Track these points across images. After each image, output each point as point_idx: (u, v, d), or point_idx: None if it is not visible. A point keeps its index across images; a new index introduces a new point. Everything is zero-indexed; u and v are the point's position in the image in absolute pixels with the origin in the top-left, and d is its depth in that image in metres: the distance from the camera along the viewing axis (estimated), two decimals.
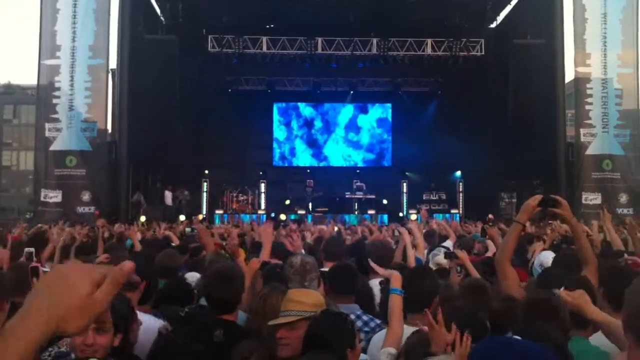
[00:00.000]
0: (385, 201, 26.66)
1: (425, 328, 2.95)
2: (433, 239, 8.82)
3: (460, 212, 25.81)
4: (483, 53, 25.35)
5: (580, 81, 21.73)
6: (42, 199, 20.54)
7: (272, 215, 24.20)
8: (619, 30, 21.66)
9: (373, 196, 26.43)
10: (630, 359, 2.24)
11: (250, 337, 3.33)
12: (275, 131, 30.69)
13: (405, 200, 27.09)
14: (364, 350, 3.64)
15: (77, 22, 20.70)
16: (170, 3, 25.05)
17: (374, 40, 25.03)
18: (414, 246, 6.77)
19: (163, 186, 23.85)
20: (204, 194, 25.46)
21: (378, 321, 4.23)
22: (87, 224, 14.24)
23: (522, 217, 3.96)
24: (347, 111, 30.79)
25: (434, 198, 27.30)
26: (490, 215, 20.38)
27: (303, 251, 6.52)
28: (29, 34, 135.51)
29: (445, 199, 27.18)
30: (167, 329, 3.69)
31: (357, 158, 30.86)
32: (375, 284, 5.00)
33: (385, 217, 24.45)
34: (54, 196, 20.35)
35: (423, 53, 25.36)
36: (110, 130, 22.74)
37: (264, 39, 24.81)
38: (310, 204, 26.13)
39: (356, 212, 24.94)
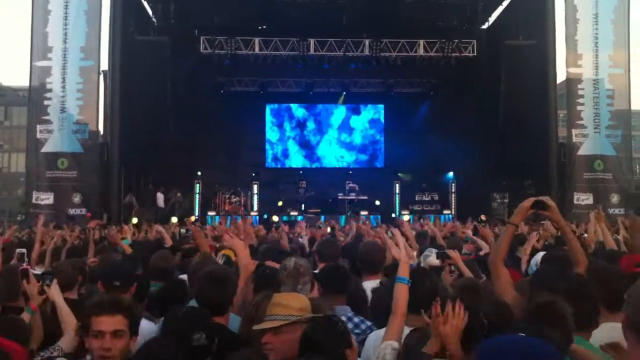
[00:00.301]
0: (377, 202, 26.66)
1: (429, 321, 2.94)
2: (425, 241, 8.79)
3: (453, 212, 25.83)
4: (475, 54, 25.39)
5: (572, 82, 21.81)
6: (33, 201, 20.47)
7: (265, 216, 24.18)
8: (610, 30, 21.75)
9: (365, 197, 26.42)
10: (633, 357, 2.26)
11: (243, 343, 3.29)
12: (268, 132, 30.64)
13: (397, 201, 27.09)
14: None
15: (69, 24, 20.65)
16: (162, 4, 24.99)
17: (367, 42, 25.03)
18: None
19: (155, 188, 23.78)
20: (197, 196, 25.39)
21: (369, 323, 4.22)
22: (78, 225, 14.18)
23: (516, 218, 4.01)
24: (339, 112, 30.77)
25: (427, 199, 27.31)
26: (482, 216, 20.44)
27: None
28: (21, 36, 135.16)
29: (438, 200, 27.19)
30: None
31: (350, 159, 30.84)
32: (368, 286, 4.99)
33: (372, 218, 24.37)
34: (46, 198, 20.27)
35: (415, 54, 25.39)
36: (102, 132, 22.67)
37: (257, 40, 24.76)
38: (302, 205, 26.12)
39: (348, 214, 24.91)
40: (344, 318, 3.55)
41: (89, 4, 20.85)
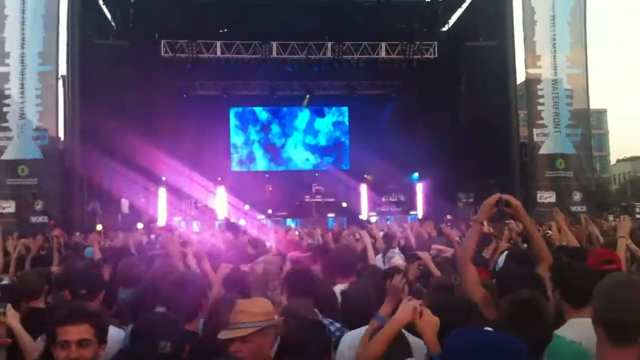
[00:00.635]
0: (344, 204, 26.74)
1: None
2: (391, 242, 8.82)
3: (419, 213, 26.02)
4: (436, 56, 25.65)
5: (531, 82, 22.12)
6: None
7: (232, 220, 24.06)
8: (567, 32, 22.14)
9: (332, 199, 26.49)
10: (600, 351, 2.31)
11: (215, 351, 3.24)
12: (232, 136, 30.54)
13: (364, 203, 27.21)
14: None
15: (26, 29, 20.25)
16: (121, 8, 24.68)
17: (329, 44, 25.10)
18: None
19: (119, 194, 23.45)
20: (161, 202, 25.13)
21: (338, 324, 4.22)
22: (40, 234, 13.92)
23: (481, 216, 4.07)
24: (304, 115, 30.82)
25: (393, 200, 27.50)
26: (448, 216, 20.61)
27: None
28: None
29: (404, 201, 27.39)
30: None
31: (316, 161, 30.91)
32: (338, 289, 4.99)
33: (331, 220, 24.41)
34: (8, 207, 19.86)
35: (377, 56, 25.55)
36: (62, 138, 22.28)
37: (218, 43, 24.64)
38: (269, 209, 26.06)
39: (314, 216, 24.92)
40: None
41: (46, 8, 20.47)
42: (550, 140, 21.80)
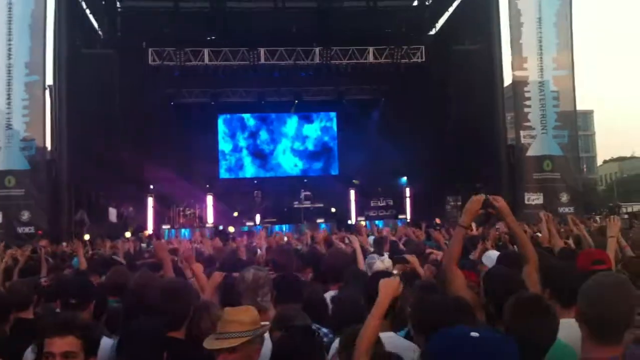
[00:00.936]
0: (333, 209, 26.74)
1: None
2: (381, 247, 8.78)
3: (408, 217, 26.05)
4: (424, 60, 25.69)
5: (518, 84, 22.22)
6: None
7: (221, 228, 24.00)
8: (553, 33, 22.26)
9: (321, 205, 26.48)
10: (584, 348, 2.33)
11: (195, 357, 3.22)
12: (221, 143, 30.48)
13: (353, 208, 27.22)
14: None
15: (13, 39, 20.14)
16: (108, 17, 24.64)
17: (317, 50, 25.08)
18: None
19: (107, 203, 23.36)
20: (150, 210, 25.04)
21: (325, 330, 4.21)
22: (27, 245, 13.82)
23: (466, 219, 3.98)
24: (292, 121, 30.82)
25: (382, 204, 27.51)
26: (437, 219, 20.63)
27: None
28: None
29: (393, 205, 27.41)
30: None
31: (304, 167, 30.89)
32: (329, 295, 4.99)
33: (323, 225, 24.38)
34: None
35: (365, 61, 25.56)
36: (49, 148, 22.15)
37: (206, 50, 24.57)
38: (258, 216, 26.02)
39: (304, 222, 24.89)
40: None
41: (33, 18, 20.36)
42: (537, 142, 21.87)
